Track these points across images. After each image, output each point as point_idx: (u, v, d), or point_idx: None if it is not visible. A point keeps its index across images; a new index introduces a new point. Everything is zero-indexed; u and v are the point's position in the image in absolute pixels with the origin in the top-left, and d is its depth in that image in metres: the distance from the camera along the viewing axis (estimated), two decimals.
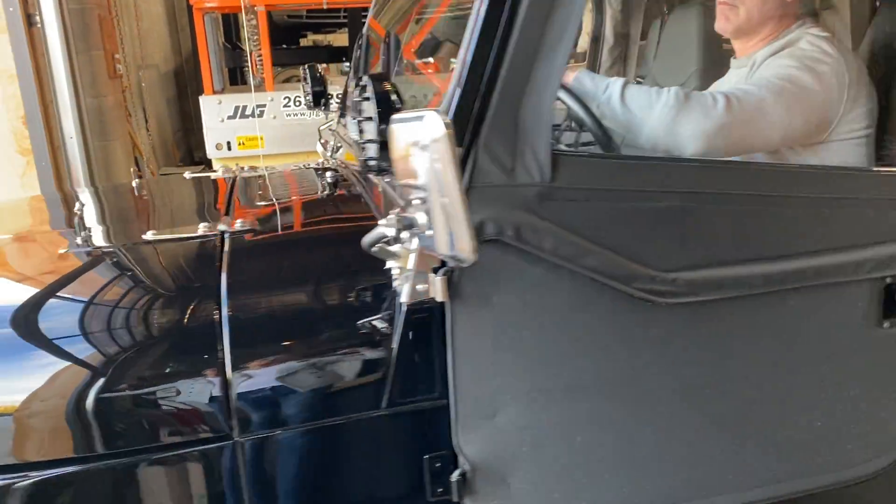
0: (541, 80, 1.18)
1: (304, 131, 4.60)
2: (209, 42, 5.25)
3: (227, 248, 1.43)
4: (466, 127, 1.17)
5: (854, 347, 1.43)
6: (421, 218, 1.03)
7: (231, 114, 4.96)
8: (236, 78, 6.60)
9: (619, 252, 1.25)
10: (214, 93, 5.13)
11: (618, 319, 1.30)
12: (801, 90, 1.54)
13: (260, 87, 5.16)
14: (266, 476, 1.23)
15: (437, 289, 1.19)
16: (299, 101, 4.86)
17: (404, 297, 1.22)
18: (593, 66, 3.01)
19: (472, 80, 1.16)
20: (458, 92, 1.16)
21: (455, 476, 1.29)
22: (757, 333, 1.38)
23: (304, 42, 8.18)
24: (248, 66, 5.59)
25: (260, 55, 5.37)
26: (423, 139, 0.95)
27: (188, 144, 7.29)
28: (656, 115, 1.45)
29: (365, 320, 1.27)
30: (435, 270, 1.19)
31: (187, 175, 2.28)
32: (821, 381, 1.43)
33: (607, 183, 1.25)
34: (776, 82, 1.55)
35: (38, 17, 4.26)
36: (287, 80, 6.46)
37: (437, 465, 1.29)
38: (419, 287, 1.21)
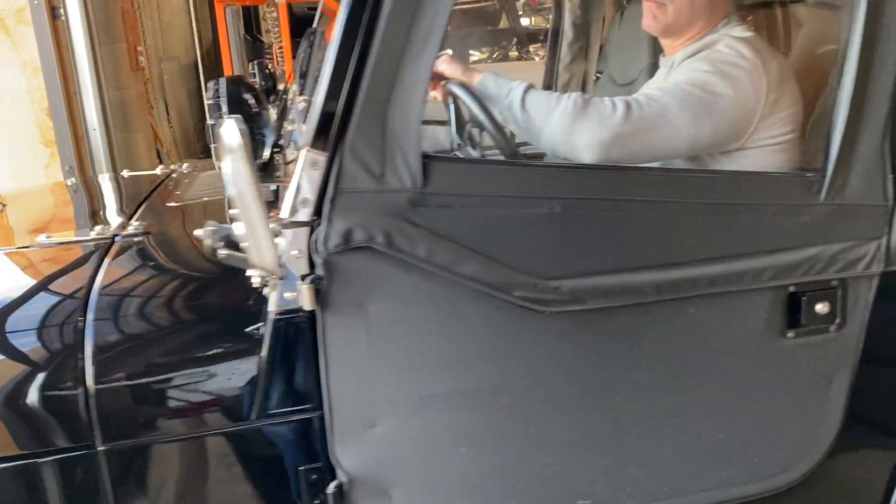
0: (408, 83, 1.13)
1: None
2: (230, 34, 5.25)
3: (112, 252, 1.40)
4: (330, 131, 1.13)
5: (758, 358, 1.38)
6: (238, 229, 0.99)
7: None
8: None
9: (498, 259, 1.21)
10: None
11: (500, 328, 1.26)
12: (711, 96, 1.48)
13: (281, 80, 5.14)
14: (130, 488, 1.21)
15: (304, 297, 1.16)
16: None
17: (272, 306, 1.19)
18: (553, 62, 2.95)
19: (335, 81, 1.12)
20: (322, 95, 1.13)
21: (331, 488, 1.26)
22: (652, 343, 1.33)
23: None
24: (268, 59, 5.57)
25: (280, 47, 5.34)
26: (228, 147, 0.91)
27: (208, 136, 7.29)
28: (554, 122, 1.40)
29: (239, 329, 1.24)
30: (304, 277, 1.16)
31: (125, 174, 2.25)
32: (723, 393, 1.38)
33: (482, 188, 1.21)
34: (685, 88, 1.49)
35: (62, 10, 4.29)
36: None
37: (314, 477, 1.26)
38: (287, 295, 1.18)
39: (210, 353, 1.25)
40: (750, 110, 1.51)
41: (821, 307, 1.36)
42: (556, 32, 2.93)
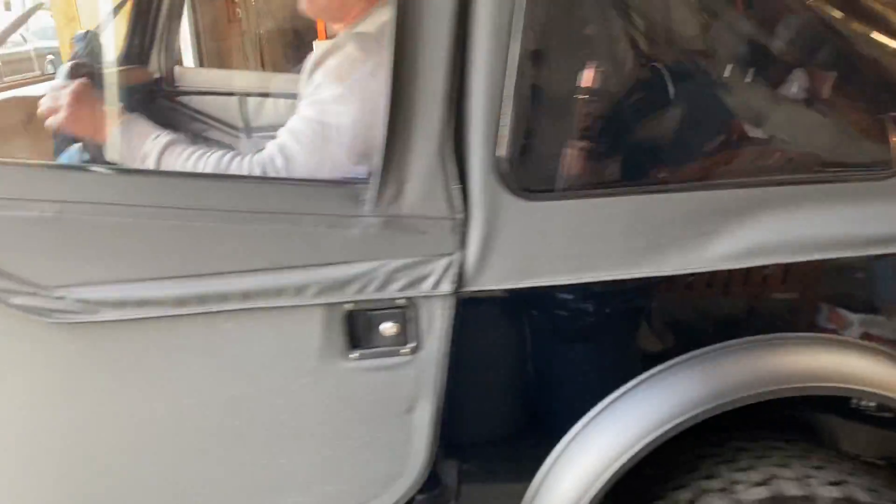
0: None
1: None
2: None
3: None
4: None
5: (318, 380, 1.26)
6: None
7: None
8: None
9: None
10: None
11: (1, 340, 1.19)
12: (342, 114, 1.37)
13: None
14: None
15: None
16: None
17: None
18: None
19: None
20: None
21: None
22: (185, 360, 1.24)
23: None
24: None
25: None
26: None
27: None
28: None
29: None
30: None
31: None
32: (280, 416, 1.28)
33: None
34: (313, 115, 1.40)
35: None
36: None
37: None
38: None
39: None
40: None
41: (387, 328, 1.24)
42: None
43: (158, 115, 2.04)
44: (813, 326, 1.33)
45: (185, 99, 2.56)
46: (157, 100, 2.46)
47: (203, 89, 2.56)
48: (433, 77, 1.15)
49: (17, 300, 1.16)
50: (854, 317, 1.33)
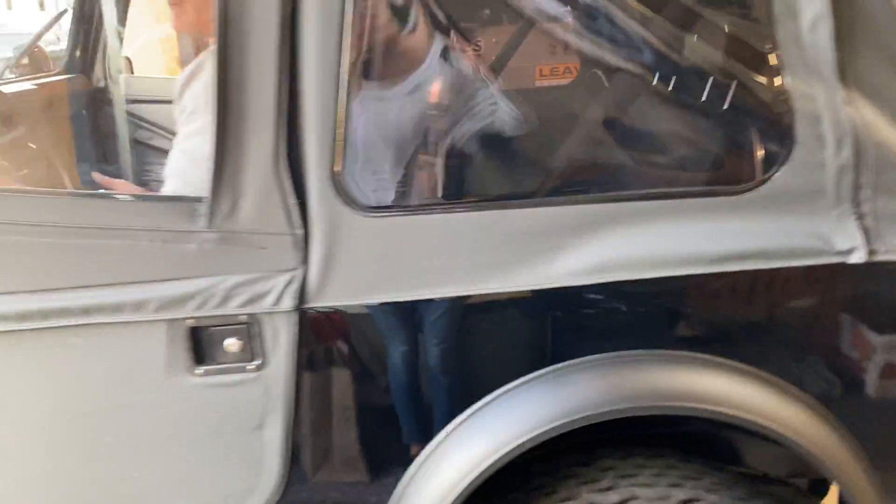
0: None
1: None
2: None
3: None
4: None
5: (166, 395, 1.26)
6: None
7: None
8: None
9: None
10: None
11: None
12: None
13: None
14: None
15: None
16: None
17: None
18: None
19: None
20: None
21: None
22: (33, 375, 1.25)
23: None
24: None
25: None
26: None
27: None
28: None
29: None
30: None
31: None
32: (129, 432, 1.28)
33: None
34: (188, 151, 1.44)
35: None
36: None
37: None
38: None
39: None
40: None
41: (231, 344, 1.24)
42: None
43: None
44: (674, 343, 1.30)
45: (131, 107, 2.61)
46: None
47: (143, 97, 2.60)
48: (262, 91, 1.15)
49: None
50: (716, 333, 1.30)
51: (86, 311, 1.20)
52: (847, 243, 1.21)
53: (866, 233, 1.21)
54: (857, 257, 1.21)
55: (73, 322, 1.21)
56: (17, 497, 1.29)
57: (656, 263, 1.23)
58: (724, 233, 1.23)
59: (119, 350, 1.25)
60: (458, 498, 1.25)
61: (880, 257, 1.22)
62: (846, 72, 1.18)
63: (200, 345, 1.24)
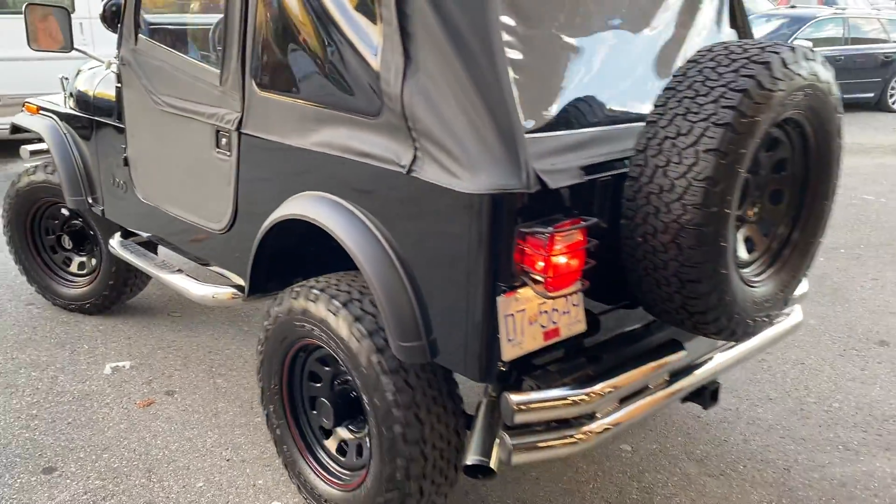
0: None
1: None
2: None
3: None
4: None
5: (208, 155, 2.74)
6: None
7: None
8: None
9: None
10: None
11: None
12: None
13: None
14: None
15: None
16: None
17: None
18: None
19: None
20: None
21: None
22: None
23: None
24: None
25: None
26: None
27: None
28: None
29: None
30: None
31: None
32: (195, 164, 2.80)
33: None
34: None
35: None
36: None
37: None
38: None
39: None
40: None
41: (224, 144, 2.71)
42: None
43: None
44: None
45: None
46: None
47: None
48: None
49: None
50: None
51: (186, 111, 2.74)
52: (405, 161, 2.03)
53: (414, 159, 2.01)
54: (405, 170, 2.01)
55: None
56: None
57: (325, 145, 2.26)
58: (365, 141, 2.14)
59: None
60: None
61: (416, 174, 1.99)
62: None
63: (217, 137, 2.72)
